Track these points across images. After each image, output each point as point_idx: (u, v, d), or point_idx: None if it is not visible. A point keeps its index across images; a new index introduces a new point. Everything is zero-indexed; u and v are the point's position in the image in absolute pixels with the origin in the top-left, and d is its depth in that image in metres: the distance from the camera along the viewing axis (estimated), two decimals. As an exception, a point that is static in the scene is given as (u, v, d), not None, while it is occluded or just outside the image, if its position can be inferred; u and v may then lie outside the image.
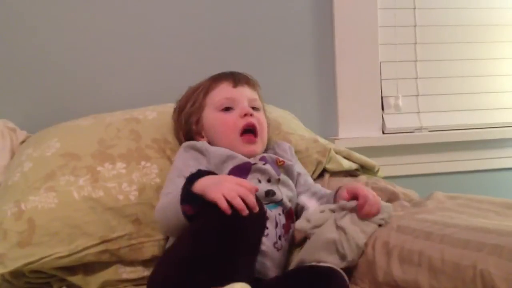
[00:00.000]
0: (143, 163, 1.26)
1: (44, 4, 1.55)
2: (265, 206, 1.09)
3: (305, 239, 1.10)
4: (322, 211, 1.05)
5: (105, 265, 1.21)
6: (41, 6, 1.55)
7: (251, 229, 0.94)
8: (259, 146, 1.23)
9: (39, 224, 1.13)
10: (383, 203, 1.08)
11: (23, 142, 1.42)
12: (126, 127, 1.33)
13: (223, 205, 0.91)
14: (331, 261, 1.00)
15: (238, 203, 0.91)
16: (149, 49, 1.63)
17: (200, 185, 0.98)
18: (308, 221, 1.03)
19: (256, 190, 0.97)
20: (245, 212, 0.91)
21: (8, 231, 1.12)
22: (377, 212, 1.06)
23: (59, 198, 1.17)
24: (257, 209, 0.92)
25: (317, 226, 1.03)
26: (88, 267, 1.20)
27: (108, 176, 1.22)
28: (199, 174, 1.03)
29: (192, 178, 1.01)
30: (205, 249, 0.90)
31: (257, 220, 0.95)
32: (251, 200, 0.92)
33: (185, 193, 0.99)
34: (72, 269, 1.19)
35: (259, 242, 0.99)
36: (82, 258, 1.16)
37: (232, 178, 0.99)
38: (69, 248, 1.14)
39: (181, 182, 1.06)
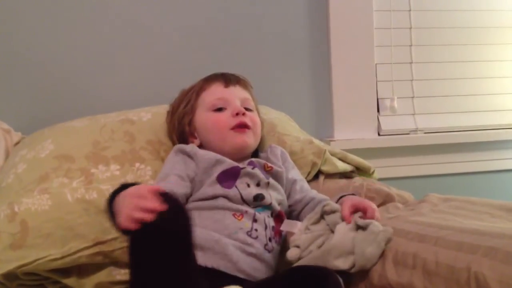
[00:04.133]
0: (137, 165, 1.26)
1: (40, 6, 1.55)
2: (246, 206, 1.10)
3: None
4: (306, 229, 1.04)
5: (99, 267, 1.20)
6: (37, 8, 1.55)
7: (167, 228, 0.86)
8: (250, 138, 1.23)
9: (32, 226, 1.13)
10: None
11: (17, 143, 1.42)
12: (121, 129, 1.32)
13: (128, 225, 0.85)
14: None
15: (138, 217, 0.84)
16: (143, 51, 1.63)
17: (115, 205, 0.93)
18: (298, 246, 1.02)
19: (157, 190, 0.89)
20: (148, 218, 0.84)
21: (1, 233, 1.12)
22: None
23: (53, 200, 1.16)
24: (160, 208, 0.85)
25: (307, 247, 1.02)
26: (82, 269, 1.19)
27: (102, 178, 1.21)
28: (117, 190, 0.97)
29: (114, 194, 0.96)
30: (141, 269, 0.86)
31: (169, 217, 0.86)
32: (150, 206, 0.85)
33: (108, 209, 0.96)
34: (65, 271, 1.18)
35: (186, 236, 0.89)
36: (76, 260, 1.15)
37: (130, 192, 0.90)
38: (62, 250, 1.13)
39: (165, 185, 1.06)
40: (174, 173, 1.13)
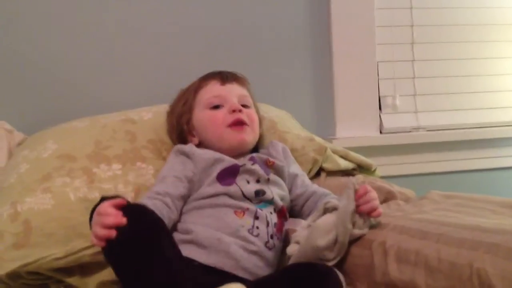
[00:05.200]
0: (138, 164, 1.26)
1: (40, 6, 1.55)
2: (255, 204, 1.11)
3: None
4: (309, 226, 1.05)
5: (102, 265, 1.19)
6: (38, 8, 1.55)
7: (129, 239, 0.88)
8: (249, 135, 1.23)
9: (35, 225, 1.13)
10: None
11: (20, 143, 1.42)
12: (122, 128, 1.33)
13: (96, 244, 0.90)
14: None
15: (102, 235, 0.88)
16: (144, 50, 1.63)
17: None
18: (298, 242, 1.03)
19: (117, 204, 0.91)
20: (110, 235, 0.87)
21: (4, 232, 1.12)
22: (371, 209, 1.04)
23: (55, 199, 1.17)
24: (119, 222, 0.87)
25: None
26: (85, 268, 1.19)
27: (103, 177, 1.22)
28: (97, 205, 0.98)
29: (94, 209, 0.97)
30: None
31: (130, 229, 0.88)
32: (110, 222, 0.87)
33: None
34: (69, 270, 1.19)
35: (153, 241, 0.91)
36: (79, 259, 1.15)
37: (96, 210, 0.92)
38: (65, 249, 1.14)
39: (160, 187, 1.09)
40: (171, 175, 1.14)
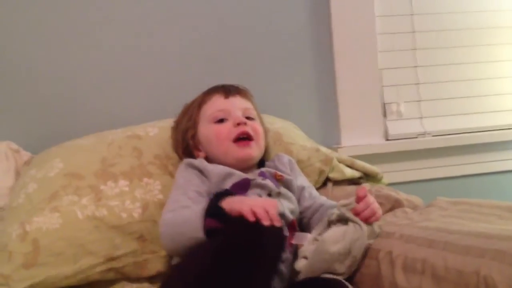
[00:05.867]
0: (145, 179, 1.27)
1: (43, 24, 1.57)
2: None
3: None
4: (315, 240, 1.05)
5: (111, 282, 1.21)
6: (40, 26, 1.57)
7: (271, 242, 0.93)
8: (254, 150, 1.24)
9: (44, 244, 1.14)
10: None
11: (27, 163, 1.43)
12: (128, 144, 1.34)
13: (247, 213, 0.93)
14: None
15: (261, 212, 0.92)
16: (148, 65, 1.64)
17: (227, 202, 1.00)
18: (306, 257, 1.03)
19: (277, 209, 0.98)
20: (267, 221, 0.92)
21: (13, 253, 1.13)
22: (375, 219, 1.07)
23: (63, 218, 1.18)
24: (279, 222, 0.94)
25: None
26: (94, 286, 1.20)
27: (111, 194, 1.23)
28: (226, 193, 1.05)
29: (220, 195, 1.03)
30: (224, 263, 0.88)
31: (277, 235, 0.95)
32: (273, 213, 0.94)
33: (212, 207, 1.00)
34: (78, 288, 1.19)
35: (278, 259, 0.98)
36: (88, 277, 1.16)
37: (258, 198, 1.02)
38: (74, 267, 1.14)
39: (184, 200, 1.08)
40: (192, 189, 1.14)
